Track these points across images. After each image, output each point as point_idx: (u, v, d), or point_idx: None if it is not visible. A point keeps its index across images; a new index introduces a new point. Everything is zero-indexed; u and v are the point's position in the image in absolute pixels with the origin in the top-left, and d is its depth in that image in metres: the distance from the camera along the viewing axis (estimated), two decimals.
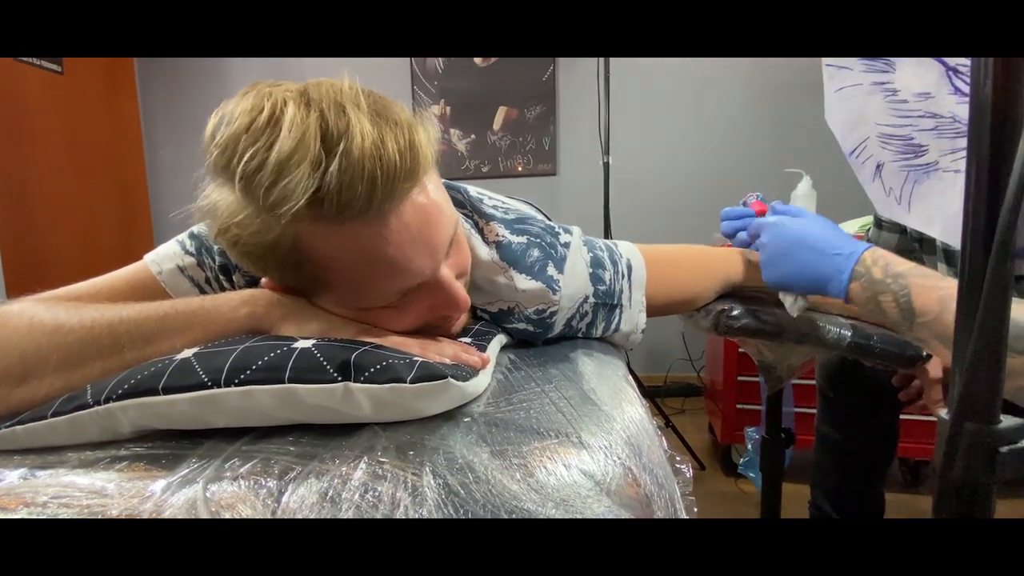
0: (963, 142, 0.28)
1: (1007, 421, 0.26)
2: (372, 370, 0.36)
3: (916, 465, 1.53)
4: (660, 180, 2.38)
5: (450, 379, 0.37)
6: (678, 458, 0.45)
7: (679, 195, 2.37)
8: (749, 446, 1.42)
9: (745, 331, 0.70)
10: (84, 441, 0.37)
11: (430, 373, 0.36)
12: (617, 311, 0.63)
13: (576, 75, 2.37)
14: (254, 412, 0.36)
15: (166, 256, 0.54)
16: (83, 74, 2.28)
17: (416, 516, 0.29)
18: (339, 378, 0.35)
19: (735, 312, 0.69)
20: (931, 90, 0.30)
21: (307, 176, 0.35)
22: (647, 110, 2.35)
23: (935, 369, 0.70)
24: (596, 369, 0.54)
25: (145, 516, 0.29)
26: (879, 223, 0.92)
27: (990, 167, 0.27)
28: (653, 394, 2.10)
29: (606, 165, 1.85)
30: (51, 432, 0.37)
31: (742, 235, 0.71)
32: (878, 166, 0.35)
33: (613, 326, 0.64)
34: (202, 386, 0.35)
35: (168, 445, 0.36)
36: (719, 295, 0.74)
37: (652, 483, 0.34)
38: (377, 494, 0.30)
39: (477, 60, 2.41)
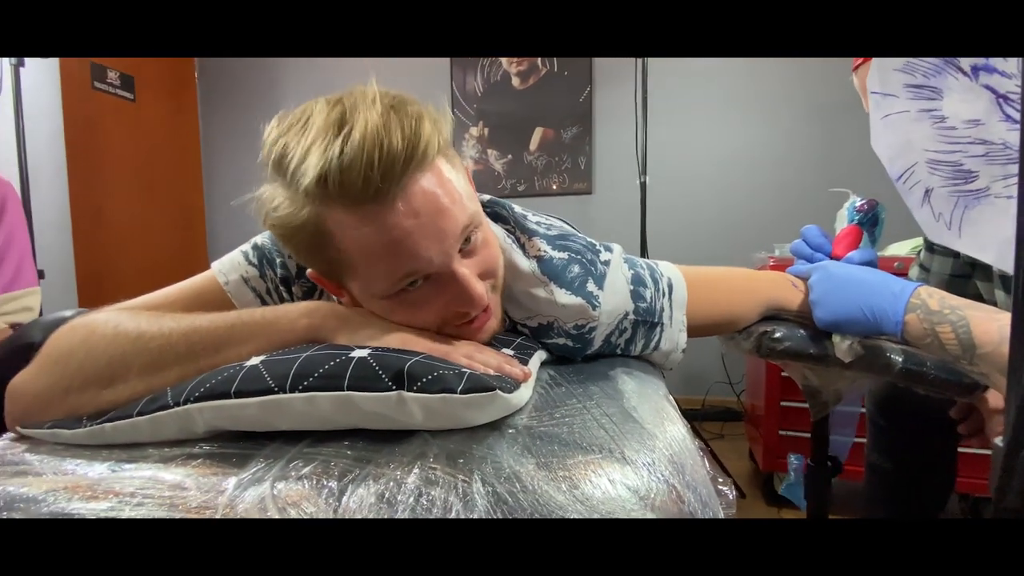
0: (1015, 168, 0.28)
1: None
2: (424, 380, 0.38)
3: (976, 502, 1.43)
4: (698, 200, 2.36)
5: (498, 391, 0.38)
6: (720, 479, 0.45)
7: (718, 216, 2.34)
8: (791, 472, 1.36)
9: (789, 354, 0.69)
10: (163, 439, 0.40)
11: (479, 384, 0.38)
12: (657, 329, 0.63)
13: (613, 96, 2.39)
14: (315, 417, 0.39)
15: (232, 267, 0.58)
16: (151, 101, 2.47)
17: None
18: (393, 387, 0.37)
19: (778, 334, 0.68)
20: (981, 117, 0.29)
21: (318, 159, 0.40)
22: (685, 129, 2.35)
23: (996, 399, 0.67)
24: (637, 388, 0.54)
25: (220, 509, 0.32)
26: (931, 247, 0.89)
27: None
28: (690, 417, 2.05)
29: (643, 185, 1.85)
30: (135, 430, 0.40)
31: (800, 267, 0.72)
32: (926, 191, 0.35)
33: (653, 344, 0.64)
34: (269, 391, 0.38)
35: (237, 445, 0.39)
36: (762, 317, 0.73)
37: (696, 501, 0.35)
38: (431, 498, 0.31)
39: (515, 83, 2.47)
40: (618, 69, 2.35)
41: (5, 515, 0.34)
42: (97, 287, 2.13)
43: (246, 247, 0.59)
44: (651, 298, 0.62)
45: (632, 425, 0.43)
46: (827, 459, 0.93)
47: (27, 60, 1.67)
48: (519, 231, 0.59)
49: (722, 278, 0.73)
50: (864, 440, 1.07)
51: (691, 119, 2.34)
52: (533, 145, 2.48)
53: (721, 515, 0.37)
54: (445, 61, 2.53)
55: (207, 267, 0.59)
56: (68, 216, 2.08)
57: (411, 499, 0.31)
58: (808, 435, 0.92)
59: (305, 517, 0.31)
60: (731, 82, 2.29)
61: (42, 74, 1.99)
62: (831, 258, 0.72)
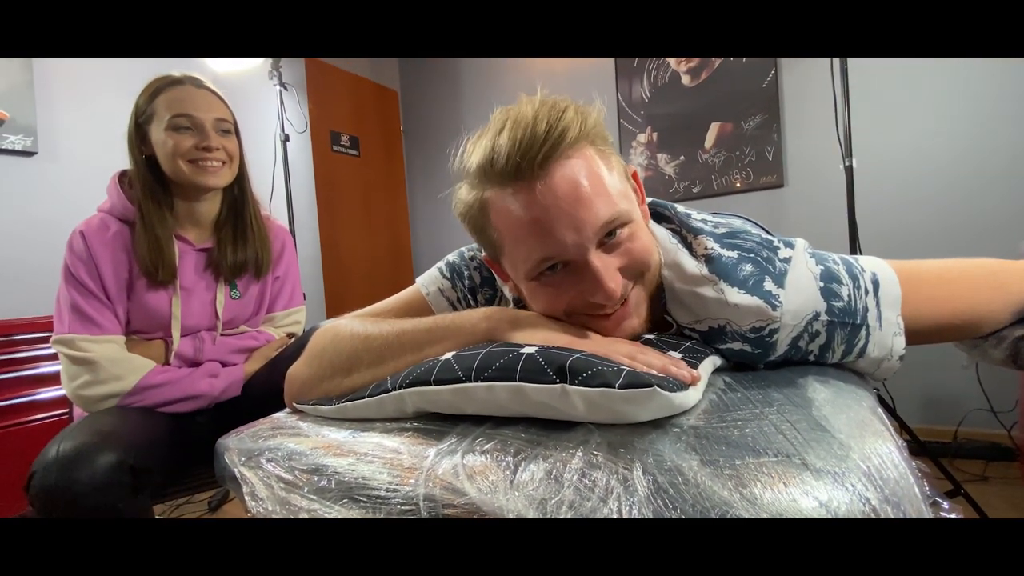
0: None
1: None
2: (585, 374, 0.40)
3: None
4: (928, 180, 1.92)
5: (656, 388, 0.39)
6: (945, 505, 0.37)
7: (957, 197, 1.87)
8: None
9: None
10: (384, 416, 0.51)
11: (637, 381, 0.39)
12: (862, 332, 0.55)
13: (804, 73, 2.12)
14: (493, 403, 0.44)
15: (431, 280, 0.70)
16: (371, 155, 3.04)
17: (628, 505, 0.32)
18: (557, 380, 0.41)
19: None
20: None
21: (481, 149, 0.49)
22: (903, 91, 1.94)
23: None
24: (831, 397, 0.49)
25: (425, 471, 0.39)
26: None
27: None
28: (937, 453, 1.66)
29: (848, 169, 1.59)
30: (366, 408, 0.52)
31: None
32: None
33: (857, 350, 0.55)
34: (458, 380, 0.45)
35: (435, 423, 0.47)
36: (1020, 318, 0.58)
37: (896, 516, 0.30)
38: (592, 479, 0.34)
39: (685, 80, 2.37)
40: None
41: (288, 463, 0.47)
42: (339, 302, 2.68)
43: (441, 264, 0.71)
44: (849, 296, 0.54)
45: (820, 434, 0.39)
46: None
47: (290, 134, 2.21)
48: (684, 229, 0.58)
49: (954, 271, 0.60)
50: None
51: (910, 80, 1.93)
52: (708, 143, 2.33)
53: None
54: (610, 71, 2.55)
55: (412, 281, 0.72)
56: (319, 250, 2.67)
57: (575, 477, 0.34)
58: None
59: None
60: None
61: (299, 144, 2.61)
62: None
